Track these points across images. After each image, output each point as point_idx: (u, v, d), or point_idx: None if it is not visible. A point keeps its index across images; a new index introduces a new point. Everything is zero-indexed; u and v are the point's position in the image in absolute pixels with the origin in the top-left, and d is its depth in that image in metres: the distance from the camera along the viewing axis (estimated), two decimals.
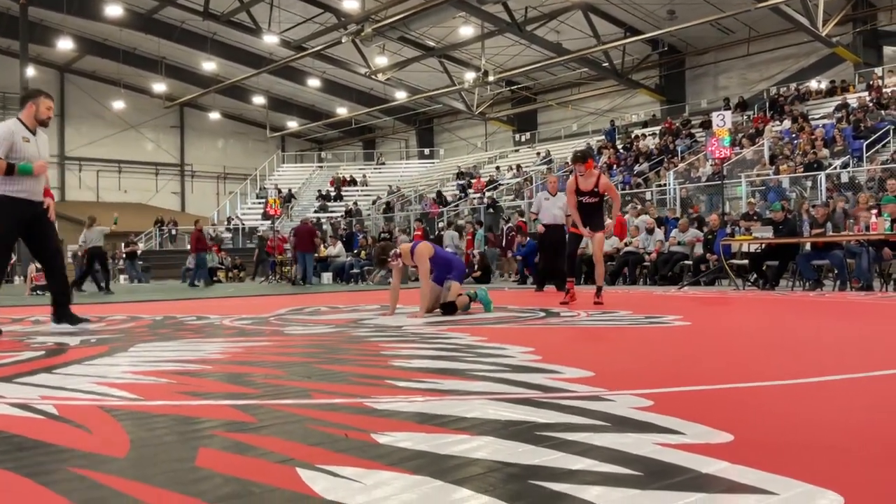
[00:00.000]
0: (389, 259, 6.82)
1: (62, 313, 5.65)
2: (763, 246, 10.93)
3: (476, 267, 16.39)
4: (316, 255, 19.65)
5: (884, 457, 1.76)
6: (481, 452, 1.81)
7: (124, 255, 25.42)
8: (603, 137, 28.84)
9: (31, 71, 30.77)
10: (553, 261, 10.79)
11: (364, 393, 2.66)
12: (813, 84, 24.75)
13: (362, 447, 1.88)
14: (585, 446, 1.84)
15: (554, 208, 10.80)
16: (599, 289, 7.95)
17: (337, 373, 3.25)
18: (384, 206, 29.86)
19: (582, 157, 8.11)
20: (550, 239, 10.81)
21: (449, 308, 6.53)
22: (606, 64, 28.31)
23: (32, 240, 5.58)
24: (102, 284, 15.32)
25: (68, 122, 38.17)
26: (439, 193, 28.98)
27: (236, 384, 3.02)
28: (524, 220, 18.61)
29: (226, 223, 33.48)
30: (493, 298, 7.48)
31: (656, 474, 1.60)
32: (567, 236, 10.73)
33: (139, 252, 26.01)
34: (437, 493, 1.50)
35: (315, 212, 31.91)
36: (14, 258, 19.57)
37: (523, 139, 35.38)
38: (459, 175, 31.89)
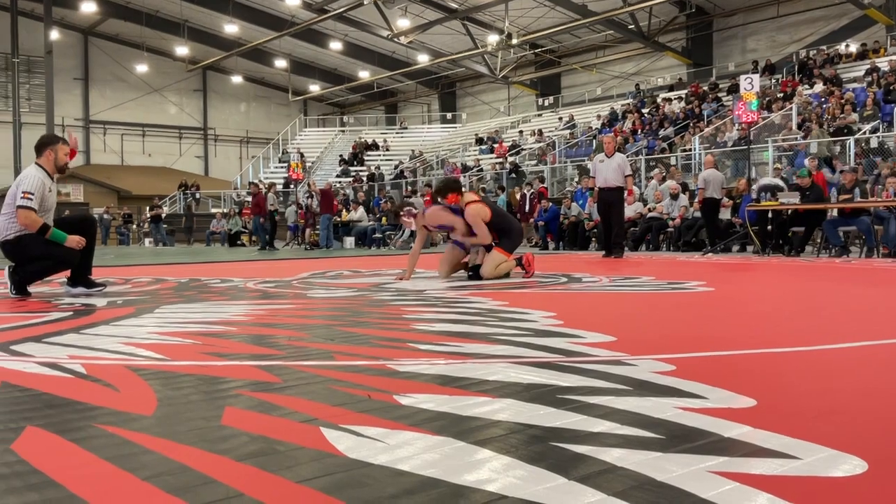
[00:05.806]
0: (402, 214, 7.16)
1: (78, 277, 5.66)
2: (790, 212, 10.80)
3: None
4: (337, 218, 19.67)
5: None
6: (503, 414, 1.82)
7: (149, 219, 25.66)
8: (628, 101, 28.44)
9: (55, 34, 30.85)
10: (607, 226, 10.53)
11: (386, 355, 2.68)
12: (841, 47, 24.16)
13: (385, 408, 1.89)
14: (607, 409, 1.84)
15: (607, 171, 10.19)
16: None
17: (359, 335, 3.27)
18: (398, 172, 29.58)
19: (441, 190, 6.84)
20: (602, 203, 10.43)
21: (477, 272, 6.53)
22: (632, 26, 27.79)
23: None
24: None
25: (92, 86, 38.32)
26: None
27: (260, 345, 3.05)
28: (545, 185, 18.47)
29: (248, 188, 33.58)
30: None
31: (678, 437, 1.60)
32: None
33: (163, 216, 26.21)
34: (459, 453, 1.51)
35: (337, 176, 31.89)
36: None
37: (546, 103, 34.99)
38: (480, 140, 31.66)
